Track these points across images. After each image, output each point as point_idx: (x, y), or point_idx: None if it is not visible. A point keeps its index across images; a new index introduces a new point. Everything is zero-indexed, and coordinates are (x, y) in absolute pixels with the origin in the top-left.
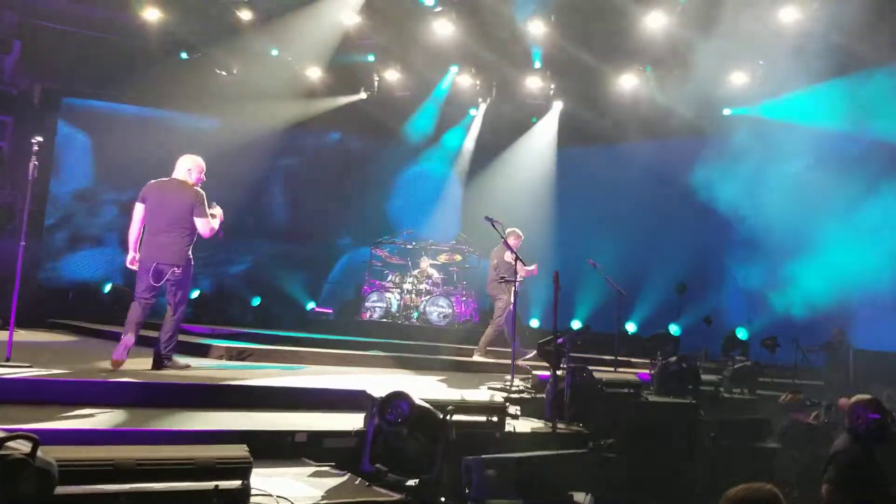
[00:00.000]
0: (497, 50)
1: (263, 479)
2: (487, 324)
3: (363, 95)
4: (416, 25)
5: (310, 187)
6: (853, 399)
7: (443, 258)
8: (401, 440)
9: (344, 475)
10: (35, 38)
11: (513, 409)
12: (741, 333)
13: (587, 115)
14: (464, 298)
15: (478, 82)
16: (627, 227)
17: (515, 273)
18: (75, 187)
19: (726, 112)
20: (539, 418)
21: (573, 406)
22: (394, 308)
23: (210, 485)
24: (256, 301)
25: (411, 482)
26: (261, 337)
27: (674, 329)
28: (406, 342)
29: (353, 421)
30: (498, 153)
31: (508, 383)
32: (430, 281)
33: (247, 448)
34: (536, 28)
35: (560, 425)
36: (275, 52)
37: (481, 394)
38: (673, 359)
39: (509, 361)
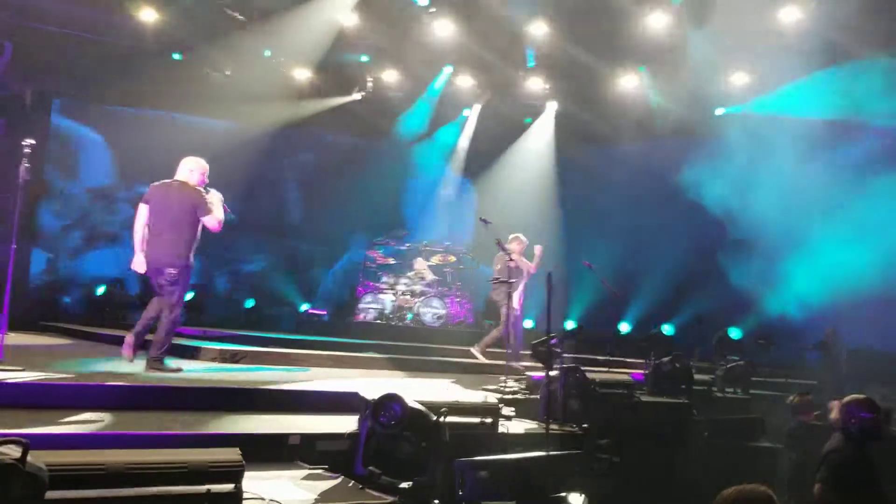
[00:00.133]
0: (491, 50)
1: (256, 482)
2: (482, 325)
3: (357, 96)
4: (410, 25)
5: (308, 188)
6: (846, 398)
7: (437, 259)
8: (394, 442)
9: (337, 478)
10: (27, 39)
11: (506, 411)
12: (734, 333)
13: (582, 116)
14: (458, 300)
15: (473, 82)
16: (622, 227)
17: (509, 275)
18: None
19: (719, 112)
20: (533, 419)
21: (567, 407)
22: (388, 309)
23: (202, 488)
24: (250, 303)
25: (405, 484)
26: (254, 339)
27: (667, 329)
28: (400, 343)
29: (346, 423)
30: (493, 153)
31: (502, 384)
32: (425, 282)
33: (239, 451)
34: (532, 28)
35: (554, 426)
36: (268, 53)
37: (475, 395)
38: (666, 359)
39: (503, 363)
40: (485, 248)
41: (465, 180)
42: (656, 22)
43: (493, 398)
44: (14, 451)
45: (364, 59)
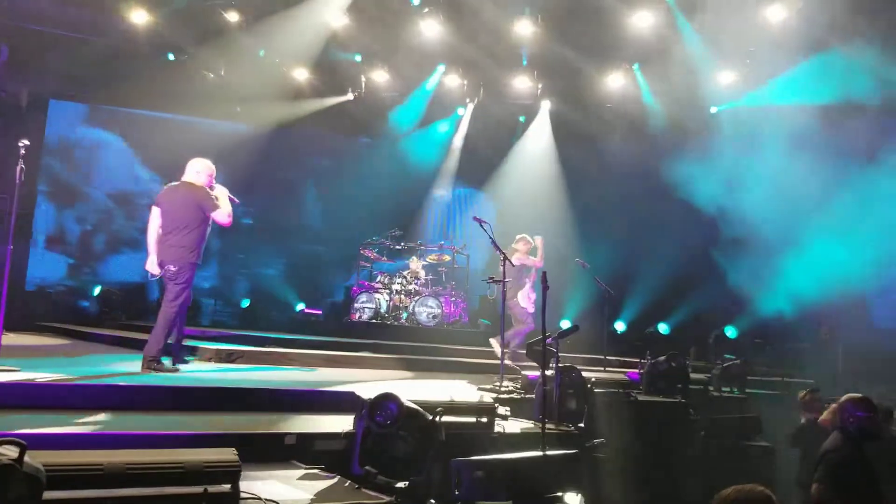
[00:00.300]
0: (484, 49)
1: (252, 482)
2: (476, 324)
3: (350, 96)
4: (402, 25)
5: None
6: (844, 397)
7: (431, 258)
8: (390, 442)
9: (333, 477)
10: (23, 41)
11: (502, 410)
12: (730, 332)
13: (574, 114)
14: (453, 299)
15: (465, 82)
16: (616, 226)
17: (504, 273)
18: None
19: (713, 110)
20: (529, 419)
21: (563, 406)
22: (383, 309)
23: (199, 489)
24: (245, 303)
25: (401, 484)
26: (250, 339)
27: (662, 328)
28: (395, 343)
29: (342, 423)
30: (487, 152)
31: (498, 384)
32: (419, 281)
33: (235, 451)
34: (523, 28)
35: (550, 425)
36: (261, 53)
37: (471, 394)
38: (662, 358)
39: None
40: (480, 248)
41: (460, 179)
42: (647, 20)
43: (488, 398)
44: (11, 452)
45: (357, 58)
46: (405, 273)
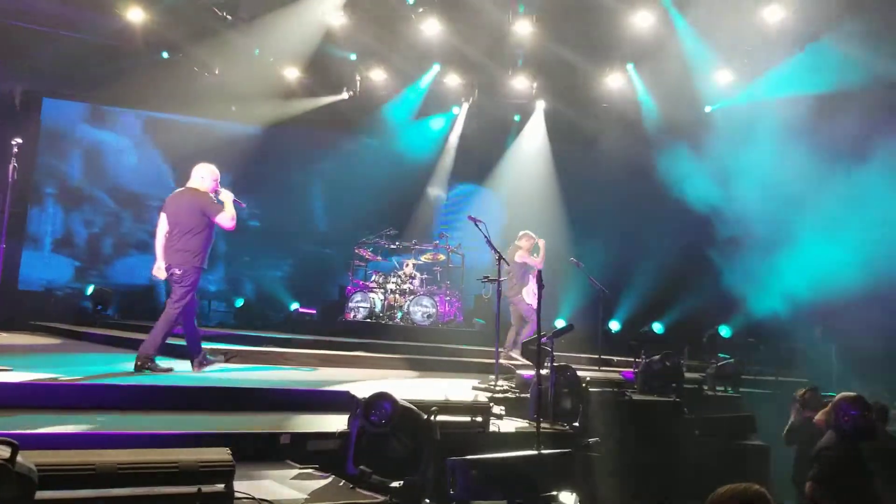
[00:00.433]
0: (480, 48)
1: (247, 481)
2: (471, 323)
3: (345, 95)
4: (398, 24)
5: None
6: (838, 396)
7: (426, 258)
8: (385, 441)
9: (328, 477)
10: (15, 39)
11: (497, 409)
12: (724, 331)
13: (570, 114)
14: (447, 298)
15: (461, 81)
16: (610, 225)
17: (499, 272)
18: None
19: (707, 109)
20: (523, 418)
21: (557, 405)
22: (378, 308)
23: (193, 489)
24: (239, 302)
25: (396, 484)
26: (245, 338)
27: (657, 327)
28: (390, 342)
29: (337, 422)
30: (482, 151)
31: (493, 383)
32: (414, 281)
33: (229, 451)
34: (518, 27)
35: (544, 425)
36: (256, 52)
37: (466, 394)
38: (656, 357)
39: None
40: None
41: (455, 177)
42: (644, 20)
43: (483, 397)
44: (3, 452)
45: (352, 57)
46: (399, 272)
